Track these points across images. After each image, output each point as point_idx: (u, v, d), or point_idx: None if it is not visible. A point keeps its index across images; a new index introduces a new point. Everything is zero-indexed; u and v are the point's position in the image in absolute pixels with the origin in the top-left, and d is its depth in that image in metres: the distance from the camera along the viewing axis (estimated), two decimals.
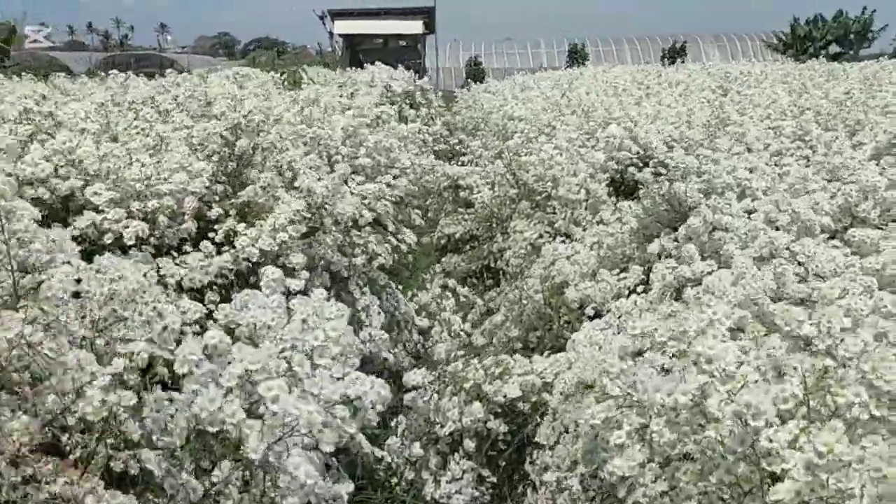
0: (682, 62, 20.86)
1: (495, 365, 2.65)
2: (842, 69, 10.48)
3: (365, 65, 15.89)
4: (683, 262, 3.18)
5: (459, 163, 7.84)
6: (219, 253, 2.82)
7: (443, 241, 6.36)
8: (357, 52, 34.83)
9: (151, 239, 2.62)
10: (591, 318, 3.92)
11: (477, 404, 2.51)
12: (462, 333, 3.69)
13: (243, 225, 2.74)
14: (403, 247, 3.17)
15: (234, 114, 3.20)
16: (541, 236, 5.28)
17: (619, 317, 3.22)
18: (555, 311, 4.01)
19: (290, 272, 2.76)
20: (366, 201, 2.84)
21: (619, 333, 3.11)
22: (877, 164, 4.03)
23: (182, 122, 3.32)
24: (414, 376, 2.51)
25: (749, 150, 4.55)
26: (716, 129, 5.34)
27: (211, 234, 2.94)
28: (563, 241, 4.70)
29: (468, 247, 6.17)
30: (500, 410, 2.59)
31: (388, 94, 9.64)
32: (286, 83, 6.22)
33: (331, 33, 37.85)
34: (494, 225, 5.78)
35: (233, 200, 3.16)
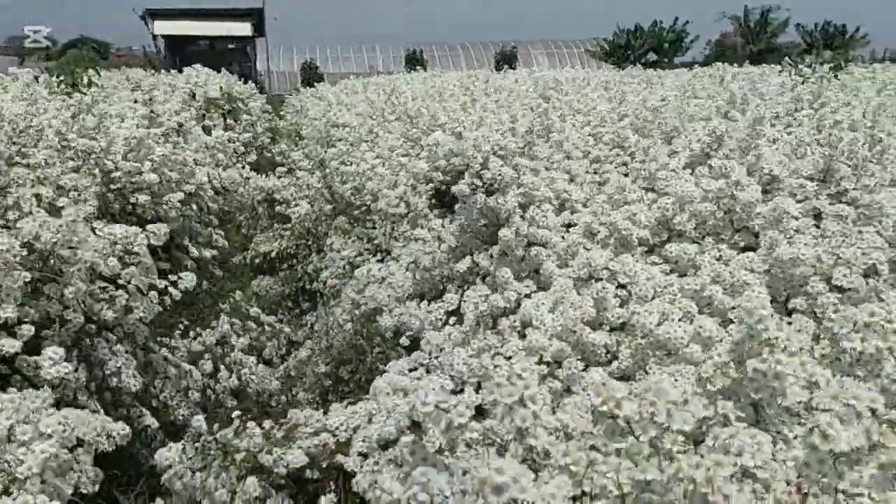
0: (514, 68, 21.32)
1: (278, 427, 2.20)
2: (657, 76, 10.88)
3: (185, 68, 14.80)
4: (500, 286, 2.87)
5: (278, 174, 7.28)
6: None
7: (258, 261, 5.79)
8: (181, 54, 32.89)
9: None
10: (406, 348, 3.57)
11: (252, 479, 2.05)
12: (252, 378, 3.18)
13: None
14: (175, 292, 2.65)
15: None
16: (360, 254, 4.88)
17: (430, 353, 2.87)
18: (367, 341, 3.61)
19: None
20: (118, 247, 2.30)
21: (428, 374, 2.76)
22: (691, 173, 3.95)
23: None
24: (168, 453, 2.01)
25: (569, 157, 4.38)
26: (537, 136, 5.15)
27: None
28: (380, 261, 4.31)
29: (286, 266, 5.65)
30: (283, 483, 2.14)
31: (202, 100, 8.86)
32: (62, 86, 5.41)
33: (154, 35, 35.49)
34: (311, 242, 5.31)
35: None
